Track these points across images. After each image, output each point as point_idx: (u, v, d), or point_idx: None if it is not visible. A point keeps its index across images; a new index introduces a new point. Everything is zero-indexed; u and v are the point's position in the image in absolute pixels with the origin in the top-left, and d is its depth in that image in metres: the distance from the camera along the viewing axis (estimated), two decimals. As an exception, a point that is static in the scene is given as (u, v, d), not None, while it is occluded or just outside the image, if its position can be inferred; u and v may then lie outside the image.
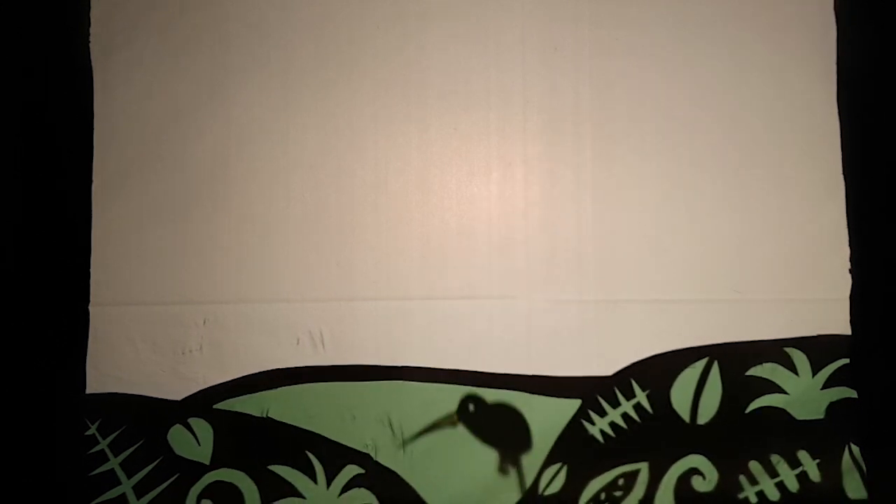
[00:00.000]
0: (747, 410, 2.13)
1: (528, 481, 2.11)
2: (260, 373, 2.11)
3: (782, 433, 2.13)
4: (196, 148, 2.13)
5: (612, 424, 2.12)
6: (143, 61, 2.14)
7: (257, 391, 2.10)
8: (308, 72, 2.14)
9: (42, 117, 2.11)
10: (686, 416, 2.13)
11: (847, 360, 2.13)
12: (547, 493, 2.10)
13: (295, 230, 2.12)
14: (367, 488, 2.10)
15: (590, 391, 2.13)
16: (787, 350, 2.13)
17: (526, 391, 2.12)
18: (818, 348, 2.14)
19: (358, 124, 2.13)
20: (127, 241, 2.11)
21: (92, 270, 2.09)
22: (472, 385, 2.11)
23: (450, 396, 2.11)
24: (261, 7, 2.14)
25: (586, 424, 2.12)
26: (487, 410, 2.11)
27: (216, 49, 2.14)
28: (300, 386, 2.11)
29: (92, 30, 2.13)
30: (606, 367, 2.13)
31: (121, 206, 2.12)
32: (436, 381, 2.11)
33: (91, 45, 2.12)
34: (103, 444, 2.07)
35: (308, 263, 2.11)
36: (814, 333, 2.14)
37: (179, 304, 2.10)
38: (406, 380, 2.11)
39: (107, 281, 2.10)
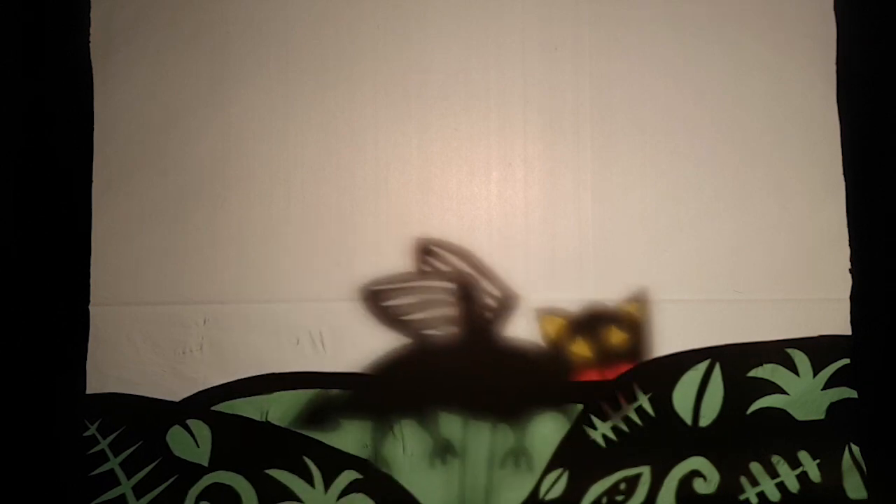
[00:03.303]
0: (749, 412, 2.13)
1: (529, 488, 2.11)
2: (259, 376, 2.10)
3: (783, 434, 2.13)
4: (196, 148, 2.12)
5: (615, 428, 2.12)
6: (143, 61, 2.14)
7: (256, 394, 2.09)
8: (308, 72, 2.14)
9: (42, 118, 2.11)
10: (688, 419, 2.13)
11: (847, 361, 2.14)
12: (548, 498, 2.10)
13: (295, 230, 2.11)
14: (365, 493, 2.09)
15: (592, 395, 2.12)
16: (789, 351, 2.14)
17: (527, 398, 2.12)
18: (819, 349, 2.14)
19: (358, 124, 2.13)
20: (127, 241, 2.10)
21: (92, 270, 2.09)
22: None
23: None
24: (261, 7, 2.14)
25: (588, 429, 2.12)
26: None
27: (216, 49, 2.14)
28: (300, 390, 2.10)
29: (92, 30, 2.12)
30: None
31: (121, 206, 2.11)
32: (437, 390, 2.11)
33: (91, 45, 2.12)
34: (103, 445, 2.06)
35: (308, 263, 2.11)
36: (814, 334, 2.14)
37: (179, 304, 2.09)
38: (408, 388, 2.11)
39: (107, 281, 2.09)
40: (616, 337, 2.12)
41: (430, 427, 2.10)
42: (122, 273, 2.09)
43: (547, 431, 2.12)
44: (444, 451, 2.10)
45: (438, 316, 2.11)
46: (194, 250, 2.10)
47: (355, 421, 2.10)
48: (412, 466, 2.10)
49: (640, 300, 2.12)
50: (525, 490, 2.11)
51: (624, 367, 2.13)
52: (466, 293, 2.11)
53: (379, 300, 2.10)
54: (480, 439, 2.11)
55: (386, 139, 2.14)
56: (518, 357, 2.11)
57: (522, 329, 2.12)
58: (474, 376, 2.11)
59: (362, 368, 2.10)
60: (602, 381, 2.13)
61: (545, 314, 2.11)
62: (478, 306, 2.11)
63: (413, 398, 2.11)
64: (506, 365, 2.12)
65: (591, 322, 2.12)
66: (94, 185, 2.10)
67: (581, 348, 2.12)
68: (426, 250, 2.11)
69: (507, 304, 2.11)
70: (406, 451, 2.09)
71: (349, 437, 2.10)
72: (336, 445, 2.09)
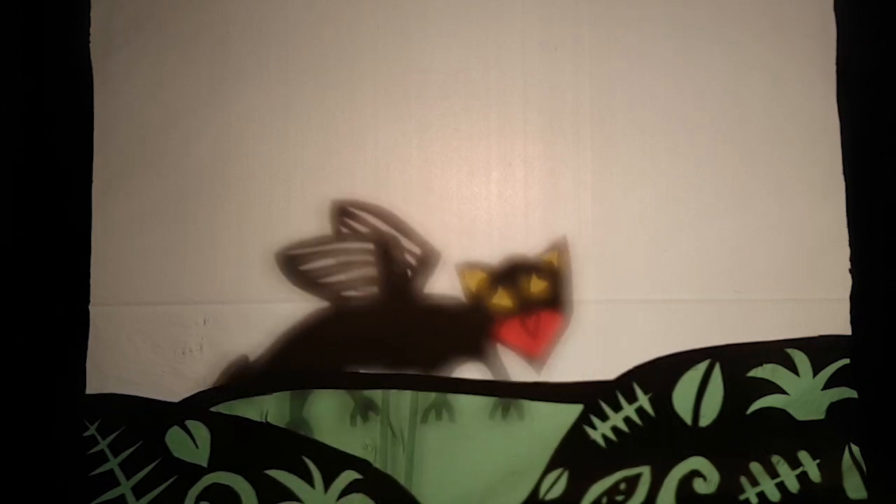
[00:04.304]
0: (749, 411, 2.14)
1: (529, 488, 2.11)
2: (259, 376, 2.10)
3: (783, 434, 2.14)
4: (196, 148, 2.12)
5: (615, 429, 2.12)
6: (143, 61, 2.13)
7: (256, 394, 2.09)
8: (308, 72, 2.14)
9: (42, 118, 2.10)
10: (688, 419, 2.13)
11: (847, 361, 2.14)
12: (548, 498, 2.10)
13: (295, 230, 2.11)
14: (365, 493, 2.09)
15: (592, 395, 2.13)
16: (789, 351, 2.14)
17: (528, 398, 2.12)
18: (819, 349, 2.15)
19: (358, 124, 2.13)
20: (127, 241, 2.10)
21: (92, 270, 2.08)
22: (474, 393, 2.11)
23: (450, 402, 2.11)
24: (261, 7, 2.14)
25: (588, 429, 2.12)
26: None
27: (216, 49, 2.13)
28: (299, 390, 2.10)
29: (92, 30, 2.12)
30: (608, 368, 2.13)
31: (121, 205, 2.10)
32: (437, 390, 2.11)
33: (91, 45, 2.12)
34: (103, 445, 2.06)
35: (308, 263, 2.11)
36: (814, 333, 2.15)
37: (179, 304, 2.09)
38: (406, 388, 2.11)
39: (107, 281, 2.09)
40: (536, 286, 2.12)
41: (350, 387, 2.10)
42: (122, 273, 2.09)
43: (546, 433, 2.11)
44: (366, 409, 2.10)
45: (358, 277, 2.12)
46: (194, 250, 2.10)
47: (273, 388, 2.10)
48: (413, 466, 2.10)
49: (560, 248, 2.12)
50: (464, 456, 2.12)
51: (544, 314, 2.13)
52: (386, 253, 2.11)
53: (296, 265, 2.10)
54: (402, 395, 2.11)
55: (386, 139, 2.14)
56: (439, 312, 2.11)
57: (443, 285, 2.13)
58: (395, 333, 2.12)
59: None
60: (602, 381, 2.13)
61: (465, 268, 2.12)
62: (398, 265, 2.12)
63: (333, 360, 2.11)
64: (426, 320, 2.12)
65: (511, 273, 2.12)
66: (94, 185, 2.10)
67: (502, 299, 2.12)
68: (344, 212, 2.11)
69: (427, 260, 2.12)
70: (406, 450, 2.09)
71: (266, 404, 2.10)
72: (337, 446, 2.09)
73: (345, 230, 2.11)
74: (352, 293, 2.10)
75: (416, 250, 2.11)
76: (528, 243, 2.13)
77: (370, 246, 2.11)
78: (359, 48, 2.14)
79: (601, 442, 2.12)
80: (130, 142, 2.11)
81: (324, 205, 2.12)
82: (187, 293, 2.09)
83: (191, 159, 2.12)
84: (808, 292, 2.15)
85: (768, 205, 2.16)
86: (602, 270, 2.13)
